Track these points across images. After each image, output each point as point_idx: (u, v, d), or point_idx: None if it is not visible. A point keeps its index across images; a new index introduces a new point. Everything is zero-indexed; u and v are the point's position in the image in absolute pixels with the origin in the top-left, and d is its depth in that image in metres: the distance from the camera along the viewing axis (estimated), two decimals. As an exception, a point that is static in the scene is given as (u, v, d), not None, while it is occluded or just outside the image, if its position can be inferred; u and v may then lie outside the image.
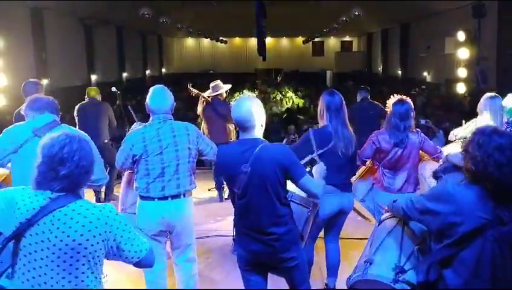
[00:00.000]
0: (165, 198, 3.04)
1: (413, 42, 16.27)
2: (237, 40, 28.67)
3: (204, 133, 5.51)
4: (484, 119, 3.86)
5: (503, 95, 4.18)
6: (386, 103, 3.55)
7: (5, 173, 3.44)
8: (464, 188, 2.02)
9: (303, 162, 2.85)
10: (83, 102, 5.99)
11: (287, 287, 2.77)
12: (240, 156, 2.48)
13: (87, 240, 1.78)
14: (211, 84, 5.89)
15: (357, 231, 4.62)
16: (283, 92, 18.19)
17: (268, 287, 2.78)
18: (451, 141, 4.23)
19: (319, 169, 2.78)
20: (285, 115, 12.64)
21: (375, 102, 6.46)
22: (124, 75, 17.69)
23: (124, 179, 3.53)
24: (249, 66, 25.97)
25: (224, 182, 4.86)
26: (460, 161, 2.12)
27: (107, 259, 1.92)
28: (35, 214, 1.76)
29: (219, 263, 4.29)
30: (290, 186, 2.58)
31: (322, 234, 3.50)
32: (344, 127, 3.21)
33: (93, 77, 14.24)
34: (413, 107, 3.48)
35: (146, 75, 21.10)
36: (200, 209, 5.48)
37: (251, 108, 2.52)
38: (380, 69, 20.91)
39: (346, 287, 2.56)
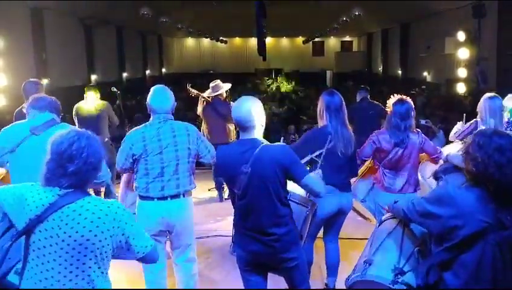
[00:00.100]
0: (164, 198, 3.04)
1: (413, 42, 16.25)
2: (237, 40, 28.62)
3: (204, 133, 5.52)
4: (484, 120, 3.85)
5: (503, 95, 4.17)
6: (386, 103, 3.55)
7: (2, 173, 3.45)
8: (465, 190, 2.02)
9: (303, 162, 2.85)
10: (82, 101, 5.97)
11: (287, 287, 2.76)
12: (240, 156, 2.48)
13: (96, 235, 1.81)
14: (211, 84, 5.87)
15: (357, 231, 4.61)
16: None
17: (268, 287, 2.78)
18: (451, 141, 4.23)
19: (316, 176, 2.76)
20: (284, 108, 12.60)
21: (375, 102, 6.47)
22: (124, 75, 17.67)
23: (123, 179, 3.54)
24: (249, 66, 25.91)
25: (224, 182, 4.85)
26: (461, 161, 2.12)
27: (114, 256, 1.94)
28: (45, 211, 1.79)
29: (219, 263, 4.29)
30: (289, 185, 2.58)
31: (321, 234, 3.50)
32: (344, 127, 3.22)
33: (93, 77, 14.21)
34: (413, 106, 3.47)
35: (146, 75, 21.07)
36: (200, 209, 5.48)
37: (251, 108, 2.52)
38: (380, 69, 20.89)
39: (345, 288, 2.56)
